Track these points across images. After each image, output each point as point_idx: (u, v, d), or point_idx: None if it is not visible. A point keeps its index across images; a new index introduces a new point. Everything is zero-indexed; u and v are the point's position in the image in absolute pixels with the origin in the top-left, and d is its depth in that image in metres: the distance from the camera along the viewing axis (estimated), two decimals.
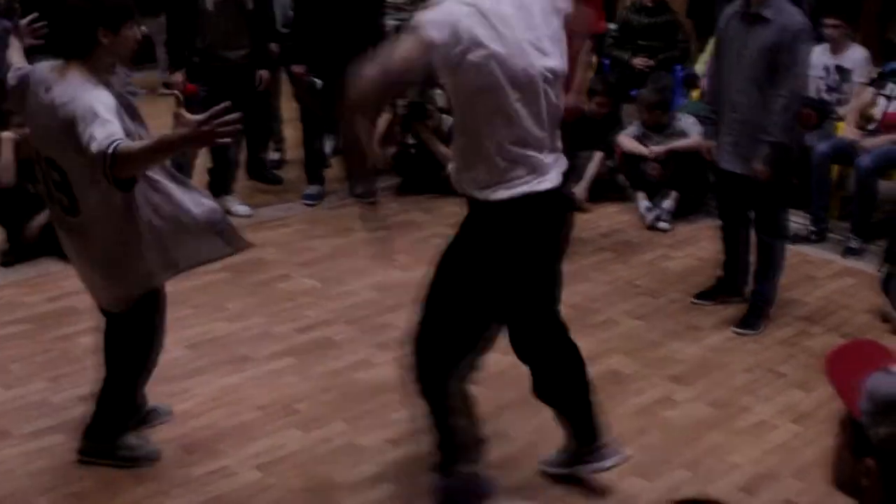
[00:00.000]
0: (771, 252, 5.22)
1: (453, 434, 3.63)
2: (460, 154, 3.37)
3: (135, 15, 3.51)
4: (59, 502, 3.75)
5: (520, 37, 3.15)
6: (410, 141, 7.34)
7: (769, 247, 5.21)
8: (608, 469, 3.85)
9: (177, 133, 3.34)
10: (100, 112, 3.23)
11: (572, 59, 5.81)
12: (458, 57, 3.06)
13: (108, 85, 3.44)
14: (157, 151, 3.32)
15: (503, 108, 3.16)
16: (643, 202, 6.83)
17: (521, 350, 3.77)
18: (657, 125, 6.91)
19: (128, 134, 3.29)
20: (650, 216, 6.70)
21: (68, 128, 3.28)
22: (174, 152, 3.70)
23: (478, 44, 3.06)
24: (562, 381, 3.79)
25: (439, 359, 3.53)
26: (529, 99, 3.20)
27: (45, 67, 3.52)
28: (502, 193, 3.26)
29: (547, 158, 3.32)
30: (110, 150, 3.13)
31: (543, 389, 3.80)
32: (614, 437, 3.89)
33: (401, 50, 3.11)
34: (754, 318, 5.24)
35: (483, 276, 3.38)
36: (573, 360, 3.78)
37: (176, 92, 6.13)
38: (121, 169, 3.19)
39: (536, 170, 3.28)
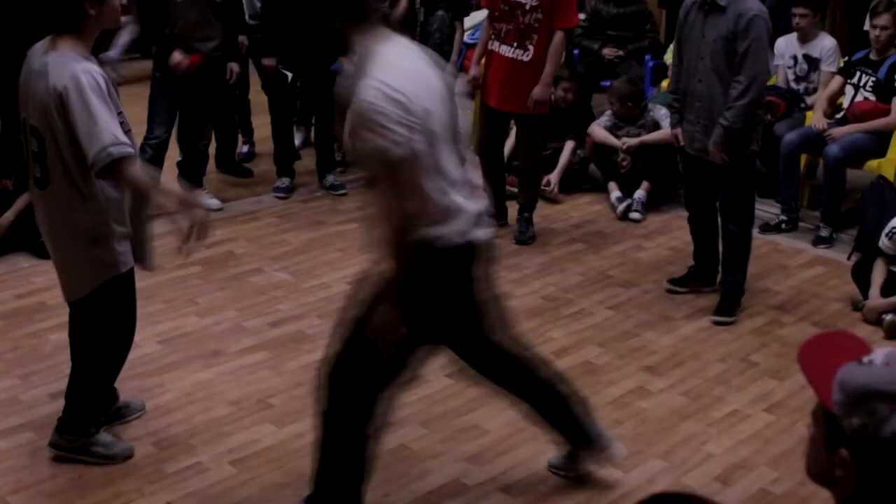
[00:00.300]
0: (737, 240, 5.24)
1: (347, 467, 3.49)
2: None
3: None
4: (31, 500, 3.71)
5: None
6: None
7: (735, 235, 5.23)
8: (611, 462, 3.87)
9: (160, 202, 3.58)
10: (94, 105, 3.38)
11: (544, 51, 5.90)
12: None
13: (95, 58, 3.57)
14: (141, 192, 3.57)
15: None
16: (615, 192, 6.83)
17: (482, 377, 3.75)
18: (629, 116, 6.91)
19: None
20: (621, 207, 6.70)
21: (52, 96, 3.42)
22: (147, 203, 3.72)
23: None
24: (526, 401, 3.76)
25: (359, 390, 3.38)
26: None
27: (42, 42, 3.62)
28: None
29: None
30: (115, 156, 3.37)
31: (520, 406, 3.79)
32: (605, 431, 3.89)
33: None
34: (728, 305, 5.26)
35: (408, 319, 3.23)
36: (529, 382, 3.73)
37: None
38: (110, 175, 3.43)
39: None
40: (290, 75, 6.73)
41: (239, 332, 5.03)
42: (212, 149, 7.02)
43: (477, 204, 3.31)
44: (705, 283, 5.52)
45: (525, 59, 5.88)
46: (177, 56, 6.21)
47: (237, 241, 6.16)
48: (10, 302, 5.30)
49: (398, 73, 3.03)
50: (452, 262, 3.24)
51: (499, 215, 6.32)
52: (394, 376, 3.38)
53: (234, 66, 6.60)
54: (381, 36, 3.14)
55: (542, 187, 6.85)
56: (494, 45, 5.99)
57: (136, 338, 4.81)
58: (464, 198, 3.22)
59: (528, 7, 5.80)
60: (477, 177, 3.55)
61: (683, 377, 4.69)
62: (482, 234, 3.32)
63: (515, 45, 5.88)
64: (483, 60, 6.20)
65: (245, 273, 5.71)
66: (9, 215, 5.82)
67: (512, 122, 6.36)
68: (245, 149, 7.77)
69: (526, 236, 6.24)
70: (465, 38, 8.12)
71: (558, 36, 5.89)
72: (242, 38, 6.84)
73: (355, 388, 3.37)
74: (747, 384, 4.64)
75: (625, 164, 6.80)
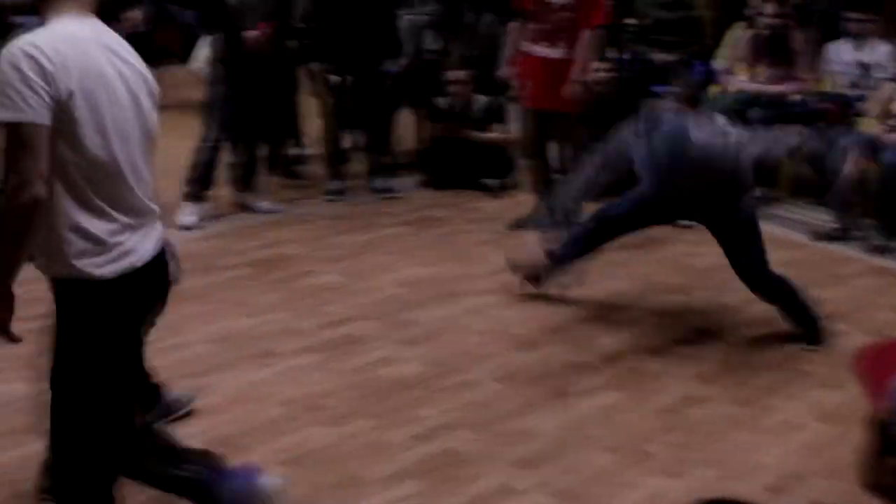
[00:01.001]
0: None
1: None
2: None
3: None
4: None
5: None
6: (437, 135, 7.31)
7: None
8: None
9: None
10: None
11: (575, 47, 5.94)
12: None
13: None
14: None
15: None
16: None
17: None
18: None
19: None
20: None
21: None
22: None
23: None
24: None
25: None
26: None
27: None
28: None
29: None
30: None
31: None
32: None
33: None
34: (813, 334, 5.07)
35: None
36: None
37: None
38: None
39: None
40: (337, 79, 6.76)
41: (290, 333, 5.06)
42: (263, 151, 7.08)
43: (131, 237, 2.87)
44: None
45: (557, 56, 5.98)
46: (251, 32, 6.27)
47: (288, 243, 6.20)
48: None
49: (52, 40, 2.68)
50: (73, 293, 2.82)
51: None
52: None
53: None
54: (65, 14, 2.78)
55: None
56: (528, 46, 6.04)
57: (188, 338, 4.94)
58: (107, 222, 2.80)
59: (557, 6, 5.88)
60: (151, 205, 2.99)
61: (735, 385, 4.66)
62: (112, 269, 2.81)
63: (547, 44, 5.95)
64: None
65: (296, 275, 5.75)
66: None
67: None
68: (296, 152, 7.83)
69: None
70: None
71: (587, 34, 5.97)
72: (292, 42, 6.89)
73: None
74: (799, 393, 4.61)
75: None
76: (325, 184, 7.14)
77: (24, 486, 3.77)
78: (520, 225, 6.48)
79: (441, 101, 7.16)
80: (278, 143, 7.44)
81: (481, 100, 7.22)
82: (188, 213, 6.48)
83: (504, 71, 6.33)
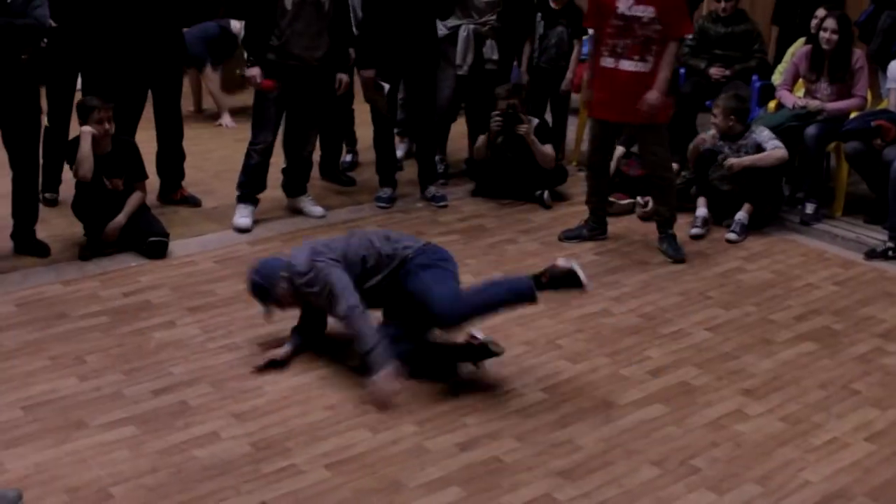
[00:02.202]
0: None
1: None
2: None
3: None
4: (132, 492, 3.80)
5: None
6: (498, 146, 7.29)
7: None
8: None
9: None
10: None
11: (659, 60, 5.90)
12: None
13: None
14: None
15: None
16: (701, 209, 6.76)
17: None
18: (730, 134, 6.80)
19: None
20: (696, 229, 6.64)
21: None
22: None
23: None
24: None
25: None
26: None
27: None
28: None
29: None
30: None
31: None
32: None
33: None
34: None
35: None
36: None
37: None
38: None
39: None
40: (386, 87, 6.78)
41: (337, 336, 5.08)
42: (316, 156, 7.13)
43: None
44: None
45: (646, 70, 5.93)
46: (255, 71, 6.32)
47: None
48: (117, 299, 5.43)
49: None
50: None
51: (600, 229, 6.50)
52: None
53: (344, 77, 6.65)
54: None
55: (642, 207, 6.88)
56: (609, 62, 5.99)
57: (236, 340, 4.98)
58: None
59: (645, 20, 5.83)
60: None
61: (782, 402, 4.62)
62: None
63: (637, 58, 5.91)
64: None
65: None
66: (121, 219, 5.97)
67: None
68: (348, 158, 7.88)
69: (681, 253, 6.22)
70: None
71: (673, 45, 5.93)
72: (351, 51, 6.91)
73: None
74: (848, 412, 4.55)
75: (726, 187, 6.72)
76: (376, 190, 7.16)
77: (73, 481, 3.84)
78: (570, 236, 6.47)
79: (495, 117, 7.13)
80: (331, 148, 7.49)
81: (533, 120, 7.20)
82: (242, 216, 6.56)
83: (567, 84, 6.23)
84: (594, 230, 6.53)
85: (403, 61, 6.83)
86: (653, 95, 5.90)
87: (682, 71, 8.14)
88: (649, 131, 6.12)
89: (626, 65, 5.94)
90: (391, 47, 6.73)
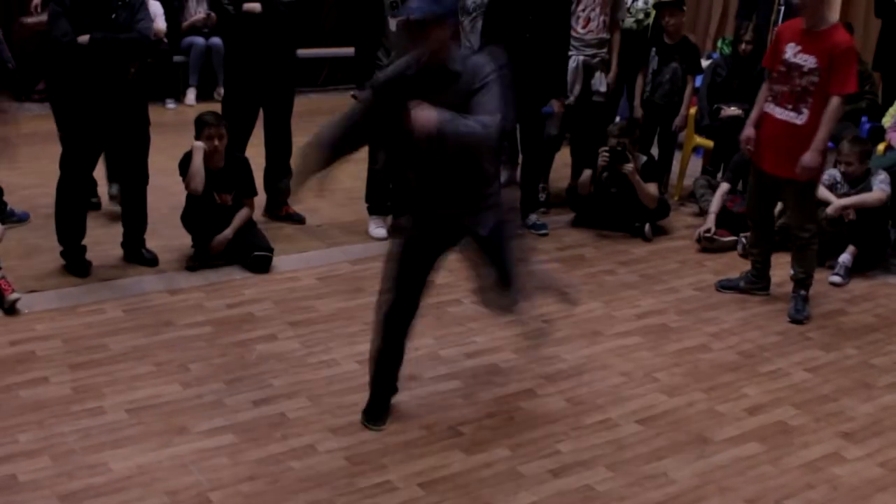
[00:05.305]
0: None
1: None
2: None
3: None
4: (229, 499, 3.88)
5: None
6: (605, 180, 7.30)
7: None
8: None
9: None
10: None
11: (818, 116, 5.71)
12: None
13: None
14: None
15: None
16: None
17: None
18: (852, 176, 6.68)
19: None
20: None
21: None
22: None
23: None
24: None
25: None
26: None
27: None
28: None
29: None
30: None
31: None
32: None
33: None
34: None
35: None
36: None
37: None
38: None
39: None
40: None
41: (435, 359, 5.14)
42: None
43: None
44: None
45: (798, 122, 5.66)
46: (367, 94, 6.42)
47: (440, 272, 6.28)
48: (221, 311, 5.56)
49: None
50: None
51: (761, 283, 6.26)
52: None
53: None
54: None
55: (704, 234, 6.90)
56: (769, 108, 5.80)
57: (336, 356, 5.07)
58: None
59: (805, 69, 5.59)
60: None
61: (882, 447, 4.55)
62: None
63: (790, 107, 5.66)
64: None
65: (444, 303, 5.82)
66: (228, 233, 6.11)
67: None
68: None
69: (801, 315, 5.93)
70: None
71: (835, 101, 5.55)
72: None
73: None
74: None
75: (830, 228, 6.62)
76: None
77: (173, 484, 3.94)
78: (726, 286, 6.31)
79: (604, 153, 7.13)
80: None
81: (641, 158, 7.20)
82: (377, 226, 6.91)
83: (746, 130, 5.96)
84: (752, 283, 6.28)
85: (517, 92, 6.88)
86: (806, 157, 5.60)
87: None
88: (795, 186, 5.81)
89: (779, 112, 5.70)
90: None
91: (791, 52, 5.68)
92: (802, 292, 6.00)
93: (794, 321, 5.89)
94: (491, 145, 4.06)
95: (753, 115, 6.00)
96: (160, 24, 9.81)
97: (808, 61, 5.59)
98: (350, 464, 4.16)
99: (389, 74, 4.32)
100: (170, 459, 4.13)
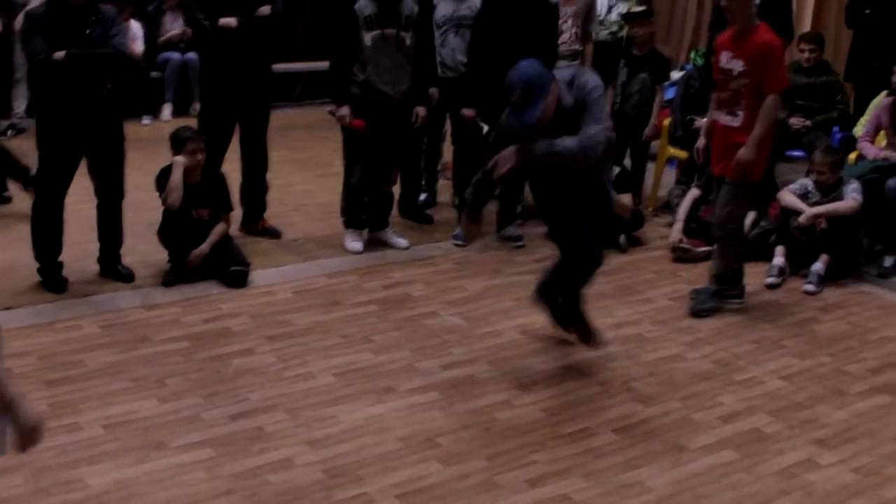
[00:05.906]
0: None
1: None
2: None
3: None
4: None
5: None
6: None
7: None
8: None
9: None
10: None
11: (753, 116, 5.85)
12: None
13: None
14: None
15: None
16: (778, 258, 6.72)
17: None
18: (825, 185, 6.74)
19: None
20: (771, 278, 6.61)
21: None
22: None
23: None
24: None
25: None
26: None
27: None
28: None
29: None
30: None
31: None
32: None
33: None
34: None
35: None
36: None
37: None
38: None
39: None
40: (485, 127, 6.87)
41: (411, 371, 5.16)
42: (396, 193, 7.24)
43: None
44: None
45: (735, 125, 5.83)
46: (344, 111, 6.49)
47: (415, 283, 6.32)
48: (197, 325, 5.56)
49: None
50: None
51: (737, 293, 6.28)
52: None
53: (420, 111, 6.77)
54: None
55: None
56: (715, 115, 6.03)
57: (313, 369, 5.08)
58: None
59: (735, 73, 5.78)
60: None
61: (855, 453, 4.58)
62: None
63: (727, 111, 5.87)
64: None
65: (420, 315, 5.85)
66: (204, 247, 6.13)
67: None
68: (422, 196, 7.92)
69: (702, 306, 6.06)
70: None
71: (768, 99, 5.71)
72: (433, 91, 7.00)
73: None
74: None
75: (803, 237, 6.67)
76: (454, 228, 7.24)
77: (150, 500, 3.94)
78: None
79: None
80: (412, 185, 7.59)
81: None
82: (352, 240, 6.93)
83: (651, 130, 6.13)
84: (735, 295, 6.30)
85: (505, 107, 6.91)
86: (741, 151, 5.74)
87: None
88: (728, 185, 5.93)
89: (720, 117, 5.92)
90: (497, 89, 6.80)
91: (725, 59, 5.89)
92: (713, 287, 6.13)
93: (693, 313, 6.05)
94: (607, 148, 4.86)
95: (705, 125, 6.31)
96: (138, 46, 9.85)
97: (737, 65, 5.79)
98: (327, 476, 4.17)
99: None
100: (147, 475, 4.13)
